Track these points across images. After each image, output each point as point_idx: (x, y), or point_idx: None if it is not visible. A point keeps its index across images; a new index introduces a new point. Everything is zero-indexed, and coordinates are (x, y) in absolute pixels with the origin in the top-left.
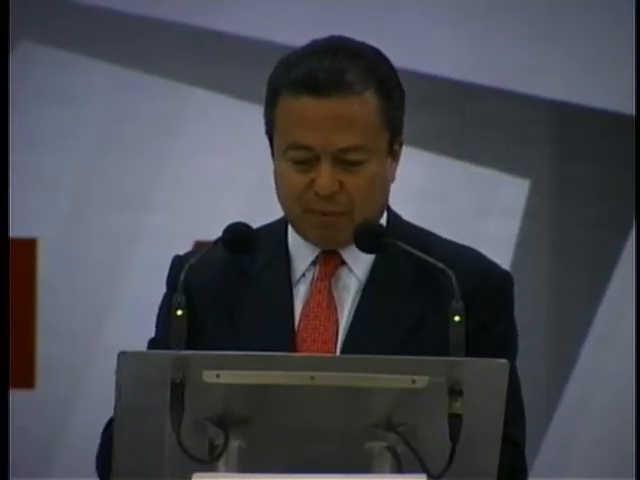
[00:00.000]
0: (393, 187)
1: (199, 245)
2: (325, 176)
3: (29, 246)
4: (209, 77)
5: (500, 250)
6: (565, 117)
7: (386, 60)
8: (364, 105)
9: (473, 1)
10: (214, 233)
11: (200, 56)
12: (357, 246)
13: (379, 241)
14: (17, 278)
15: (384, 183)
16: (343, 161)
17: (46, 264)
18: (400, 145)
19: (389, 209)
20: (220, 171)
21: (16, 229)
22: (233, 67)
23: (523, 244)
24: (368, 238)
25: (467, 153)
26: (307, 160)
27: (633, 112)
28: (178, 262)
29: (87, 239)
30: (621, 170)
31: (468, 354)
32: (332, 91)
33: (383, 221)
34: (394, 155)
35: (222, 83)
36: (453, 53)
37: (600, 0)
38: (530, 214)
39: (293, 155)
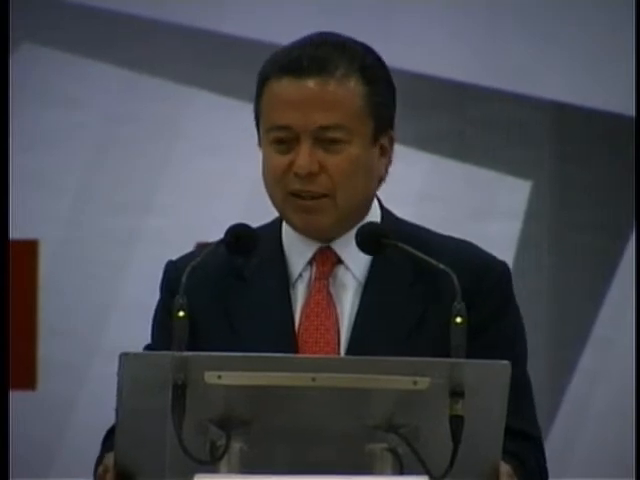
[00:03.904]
0: (393, 188)
1: (200, 247)
2: (304, 155)
3: (30, 248)
4: (210, 79)
5: (501, 252)
6: (566, 119)
7: (373, 53)
8: (346, 87)
9: (473, 3)
10: (215, 235)
11: (201, 58)
12: (359, 247)
13: (380, 242)
14: (18, 280)
15: (368, 171)
16: (323, 140)
17: (47, 266)
18: (390, 141)
19: (382, 207)
20: (221, 173)
21: (17, 231)
22: (234, 69)
23: (524, 246)
24: (370, 239)
25: (468, 155)
26: (287, 140)
27: (634, 113)
28: (172, 267)
29: (88, 241)
30: (622, 172)
31: (475, 352)
32: (314, 73)
33: (377, 219)
34: (383, 151)
35: (223, 85)
36: (453, 54)
37: (600, 1)
38: (531, 216)
39: (274, 136)
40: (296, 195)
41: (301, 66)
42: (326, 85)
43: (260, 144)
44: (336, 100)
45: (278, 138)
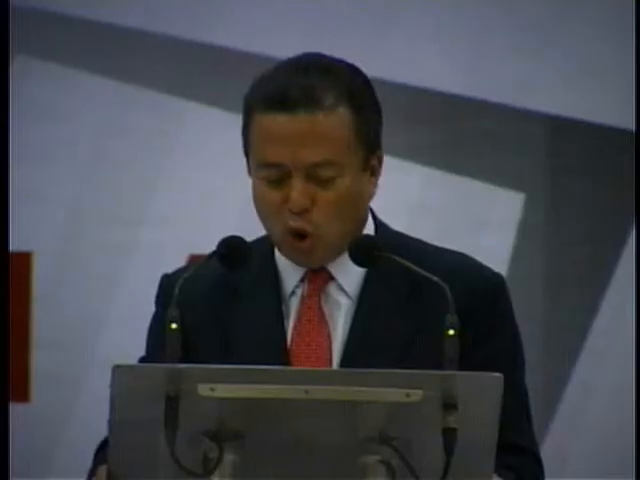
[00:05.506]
0: (387, 200)
1: (193, 259)
2: (297, 191)
3: (24, 260)
4: (204, 91)
5: (494, 264)
6: (560, 131)
7: (360, 74)
8: (334, 120)
9: (468, 15)
10: (208, 247)
11: (195, 70)
12: (352, 259)
13: (373, 255)
14: (12, 292)
15: (359, 199)
16: (315, 177)
17: (41, 278)
18: (379, 161)
19: (376, 219)
20: (214, 185)
21: (11, 243)
22: (228, 81)
23: (518, 258)
24: (362, 252)
25: (462, 167)
26: (279, 178)
27: (632, 127)
28: (167, 281)
29: (82, 253)
30: (616, 184)
31: (472, 367)
32: (301, 107)
33: (371, 231)
34: (373, 171)
35: (217, 97)
36: (448, 67)
37: (598, 13)
38: (525, 228)
39: (266, 174)
40: (292, 234)
41: (289, 98)
42: (315, 119)
43: (250, 173)
44: (325, 135)
45: (270, 176)
